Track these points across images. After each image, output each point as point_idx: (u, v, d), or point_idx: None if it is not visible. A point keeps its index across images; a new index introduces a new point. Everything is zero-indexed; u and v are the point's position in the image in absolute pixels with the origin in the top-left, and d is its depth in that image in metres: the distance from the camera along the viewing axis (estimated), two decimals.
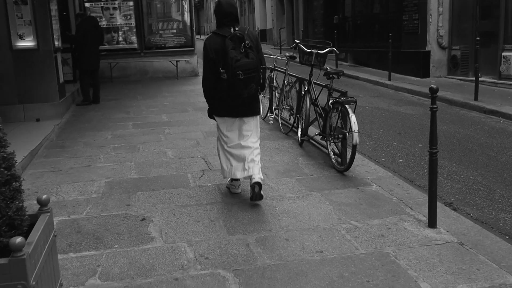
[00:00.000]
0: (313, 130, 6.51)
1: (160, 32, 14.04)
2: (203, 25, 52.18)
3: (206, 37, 4.49)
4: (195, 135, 7.15)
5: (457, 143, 6.68)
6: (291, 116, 7.17)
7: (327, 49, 6.02)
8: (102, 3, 13.59)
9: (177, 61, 13.81)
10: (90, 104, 10.05)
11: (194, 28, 14.30)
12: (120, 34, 13.86)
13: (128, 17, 13.79)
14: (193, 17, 14.28)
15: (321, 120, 5.92)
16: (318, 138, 5.97)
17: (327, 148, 5.71)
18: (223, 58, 4.06)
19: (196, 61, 14.48)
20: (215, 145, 6.15)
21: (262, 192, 4.36)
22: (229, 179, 4.74)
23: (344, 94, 5.44)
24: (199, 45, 13.10)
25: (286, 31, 23.27)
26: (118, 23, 13.81)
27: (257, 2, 30.25)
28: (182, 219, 4.17)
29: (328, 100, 5.55)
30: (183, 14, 14.15)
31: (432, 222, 3.89)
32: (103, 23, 13.56)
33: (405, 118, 8.47)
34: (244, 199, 4.61)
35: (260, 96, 8.61)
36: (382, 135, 7.31)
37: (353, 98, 5.15)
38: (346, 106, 5.10)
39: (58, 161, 6.03)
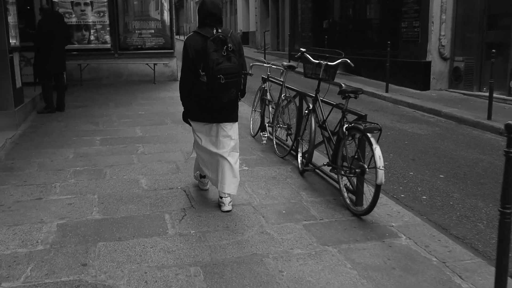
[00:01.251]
0: (316, 155, 5.45)
1: (136, 31, 12.82)
2: (182, 25, 50.86)
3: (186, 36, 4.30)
4: (175, 157, 6.01)
5: (484, 175, 5.71)
6: (289, 137, 6.11)
7: (339, 60, 4.97)
8: None
9: (154, 64, 12.61)
10: (54, 111, 8.79)
11: (174, 28, 13.12)
12: (92, 33, 12.58)
13: (102, 14, 12.53)
14: (173, 17, 13.10)
15: (329, 146, 4.87)
16: (326, 168, 4.91)
17: (338, 183, 4.65)
18: (203, 60, 3.87)
19: (176, 65, 13.30)
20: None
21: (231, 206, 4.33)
22: (198, 174, 4.69)
23: (362, 117, 4.39)
24: (179, 46, 11.99)
25: (271, 35, 22.24)
26: (90, 21, 12.52)
27: (240, 3, 29.16)
28: None
29: (341, 124, 4.50)
30: (162, 13, 12.96)
31: None
32: (73, 19, 12.28)
33: (414, 139, 7.47)
34: (239, 256, 3.51)
35: (251, 110, 7.57)
36: (393, 162, 6.28)
37: (377, 124, 4.10)
38: (368, 134, 4.05)
39: (2, 191, 4.81)
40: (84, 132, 7.33)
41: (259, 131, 6.94)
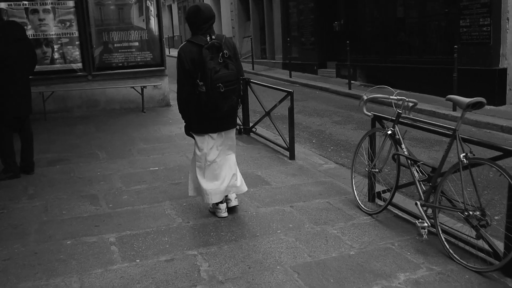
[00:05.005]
0: None
1: (115, 45, 9.74)
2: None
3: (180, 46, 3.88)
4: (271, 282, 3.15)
5: None
6: (479, 231, 3.36)
7: None
8: (25, 2, 9.07)
9: (142, 87, 9.59)
10: (18, 176, 5.69)
11: (163, 39, 10.13)
12: (55, 49, 9.40)
13: (68, 24, 9.36)
14: (162, 24, 10.11)
15: None
16: None
17: None
18: (200, 69, 3.77)
19: (167, 86, 10.34)
20: None
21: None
22: (213, 205, 4.24)
23: None
24: (171, 62, 9.02)
25: (253, 41, 19.45)
26: (53, 33, 9.34)
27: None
28: None
29: None
30: (148, 20, 9.93)
31: None
32: (29, 32, 9.06)
33: None
34: None
35: (350, 172, 4.76)
36: None
37: None
38: None
39: None
40: (82, 223, 4.31)
41: (383, 207, 4.21)
